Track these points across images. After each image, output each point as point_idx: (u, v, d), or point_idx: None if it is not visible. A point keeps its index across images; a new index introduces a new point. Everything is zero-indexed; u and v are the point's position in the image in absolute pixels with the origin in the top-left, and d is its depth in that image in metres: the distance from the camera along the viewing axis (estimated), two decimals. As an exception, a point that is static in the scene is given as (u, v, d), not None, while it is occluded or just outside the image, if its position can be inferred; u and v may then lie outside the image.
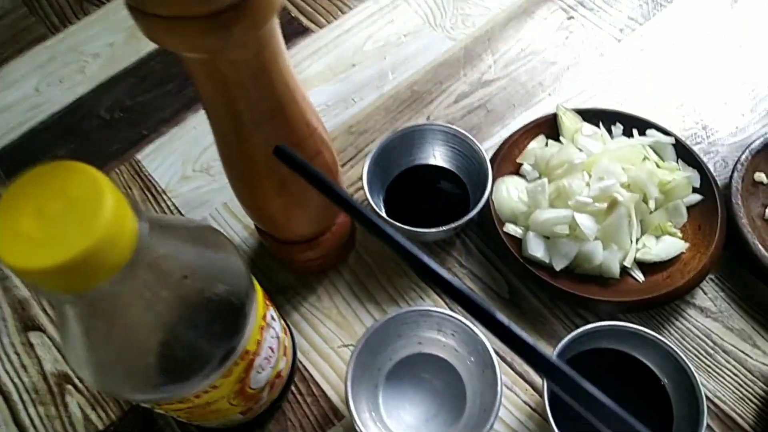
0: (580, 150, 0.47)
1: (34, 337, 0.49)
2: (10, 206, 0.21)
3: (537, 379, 0.44)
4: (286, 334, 0.42)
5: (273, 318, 0.38)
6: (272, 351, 0.37)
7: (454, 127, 0.48)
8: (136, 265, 0.23)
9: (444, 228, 0.45)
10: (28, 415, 0.46)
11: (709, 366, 0.44)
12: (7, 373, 0.47)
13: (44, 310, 0.50)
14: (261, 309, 0.34)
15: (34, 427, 0.45)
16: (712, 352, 0.44)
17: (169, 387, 0.29)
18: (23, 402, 0.46)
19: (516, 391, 0.44)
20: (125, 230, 0.22)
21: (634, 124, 0.50)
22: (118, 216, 0.22)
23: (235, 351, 0.31)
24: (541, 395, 0.43)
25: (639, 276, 0.45)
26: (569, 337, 0.40)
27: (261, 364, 0.36)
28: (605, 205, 0.44)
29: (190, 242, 0.28)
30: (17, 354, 0.48)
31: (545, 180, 0.46)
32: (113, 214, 0.21)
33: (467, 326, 0.41)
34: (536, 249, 0.45)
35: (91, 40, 0.64)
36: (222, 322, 0.30)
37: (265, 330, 0.35)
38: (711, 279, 0.47)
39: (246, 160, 0.35)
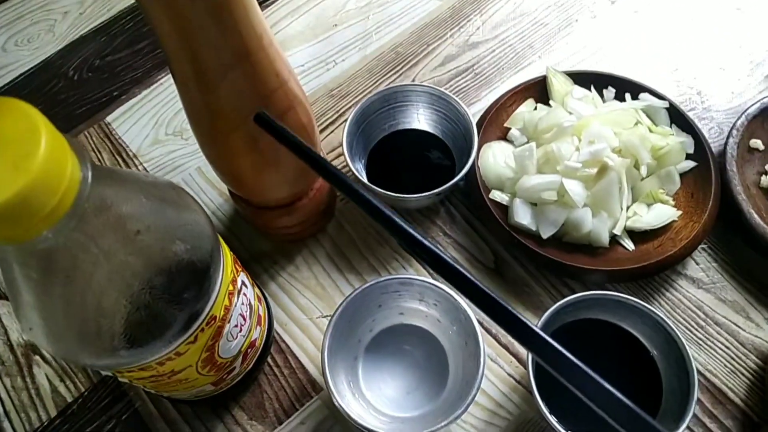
0: (570, 113, 0.45)
1: (1, 306, 0.46)
2: None
3: (522, 351, 0.42)
4: (260, 302, 0.40)
5: (245, 284, 0.36)
6: (243, 319, 0.35)
7: (439, 88, 0.46)
8: (80, 214, 0.21)
9: (427, 194, 0.43)
10: (-7, 387, 0.44)
11: (700, 338, 0.42)
12: (-29, 343, 0.45)
13: (9, 279, 0.47)
14: (229, 273, 0.32)
15: (0, 399, 0.43)
16: (703, 324, 0.43)
17: (128, 352, 0.27)
18: (-12, 373, 0.44)
19: (500, 363, 0.42)
20: (64, 173, 0.20)
21: (627, 88, 0.48)
22: (55, 157, 0.20)
23: (199, 316, 0.29)
24: (526, 367, 0.41)
25: (629, 245, 0.43)
26: (555, 307, 0.38)
27: (231, 332, 0.34)
28: (595, 170, 0.42)
29: (145, 196, 0.26)
30: (-19, 324, 0.46)
31: (533, 144, 0.44)
32: (50, 154, 0.19)
33: (450, 295, 0.39)
34: (523, 216, 0.43)
35: (60, -2, 0.61)
36: (183, 284, 0.28)
37: (235, 296, 0.34)
38: (703, 249, 0.45)
39: (211, 114, 0.33)
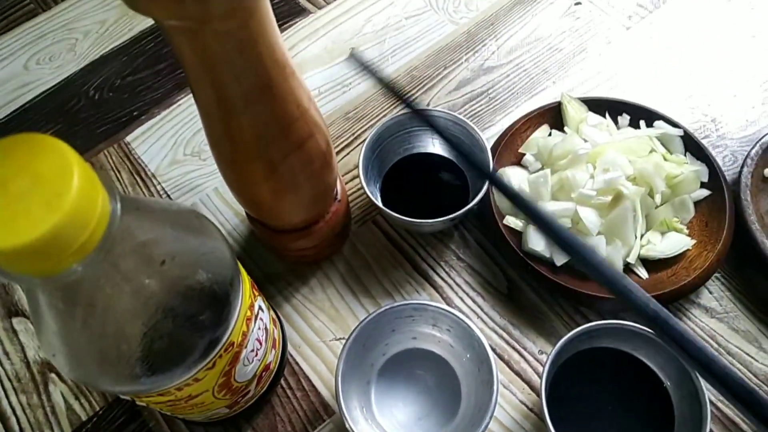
0: (585, 140, 0.46)
1: (18, 323, 0.47)
2: None
3: (534, 378, 0.43)
4: (275, 325, 0.41)
5: (261, 309, 0.36)
6: (260, 343, 0.36)
7: (453, 113, 0.46)
8: (108, 247, 0.22)
9: (441, 219, 0.43)
10: (10, 403, 0.44)
11: (712, 367, 0.42)
12: (-11, 360, 0.46)
13: (28, 296, 0.48)
14: (248, 299, 0.33)
15: (16, 416, 0.44)
16: (716, 352, 0.42)
17: (148, 379, 0.28)
18: (5, 390, 0.45)
19: (513, 390, 0.42)
20: (95, 209, 0.21)
21: (642, 115, 0.48)
22: (87, 193, 0.20)
23: (219, 343, 0.30)
24: (539, 395, 0.41)
25: (643, 273, 0.43)
26: (569, 335, 0.38)
27: (247, 357, 0.34)
28: (609, 198, 0.42)
29: (170, 226, 0.27)
30: (0, 340, 0.47)
31: (548, 171, 0.44)
32: (81, 191, 0.20)
33: (463, 321, 0.39)
34: (537, 243, 0.43)
35: (82, 18, 0.62)
36: (204, 312, 0.28)
37: (252, 321, 0.34)
38: (717, 278, 0.45)
39: (233, 142, 0.33)
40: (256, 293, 0.36)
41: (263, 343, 0.37)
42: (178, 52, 0.29)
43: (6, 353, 0.46)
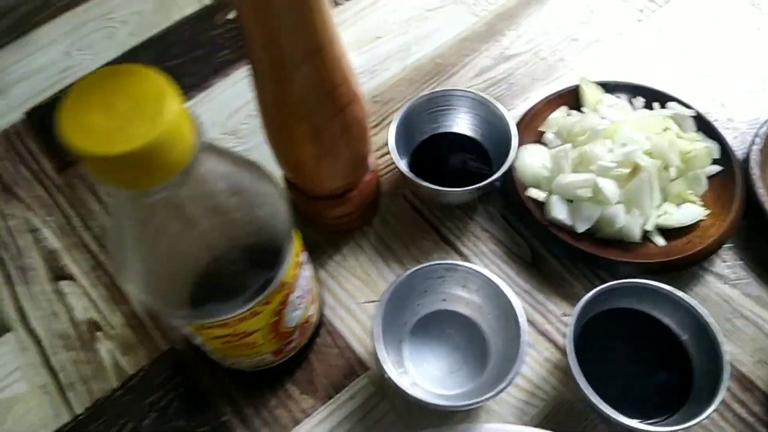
0: (603, 119, 0.49)
1: (65, 286, 0.50)
2: (80, 101, 0.22)
3: (557, 338, 0.45)
4: (315, 282, 0.43)
5: (306, 261, 0.39)
6: (305, 291, 0.38)
7: (479, 93, 0.49)
8: (192, 171, 0.24)
9: (469, 188, 0.46)
10: (59, 359, 0.47)
11: (727, 331, 0.45)
12: (39, 319, 0.48)
13: (75, 261, 0.51)
14: (297, 247, 0.36)
15: (65, 371, 0.46)
16: (730, 317, 0.45)
17: (213, 306, 0.31)
18: (54, 347, 0.47)
19: (538, 349, 0.45)
20: (185, 134, 0.23)
21: (655, 98, 0.51)
22: (180, 118, 0.23)
23: (274, 279, 0.32)
24: (563, 353, 0.44)
25: (660, 241, 0.46)
26: (590, 294, 0.41)
27: (295, 301, 0.37)
28: (628, 170, 0.45)
29: (236, 164, 0.30)
30: (48, 301, 0.49)
31: (569, 145, 0.47)
32: (176, 114, 0.22)
33: (492, 281, 0.42)
34: (559, 211, 0.46)
35: (120, 8, 0.65)
36: (265, 246, 0.31)
37: (300, 268, 0.37)
38: (729, 248, 0.48)
39: (283, 104, 0.36)
40: (302, 247, 0.39)
41: (307, 293, 0.39)
42: (242, 14, 0.32)
43: (55, 313, 0.49)
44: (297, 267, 0.36)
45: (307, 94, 0.36)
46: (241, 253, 0.30)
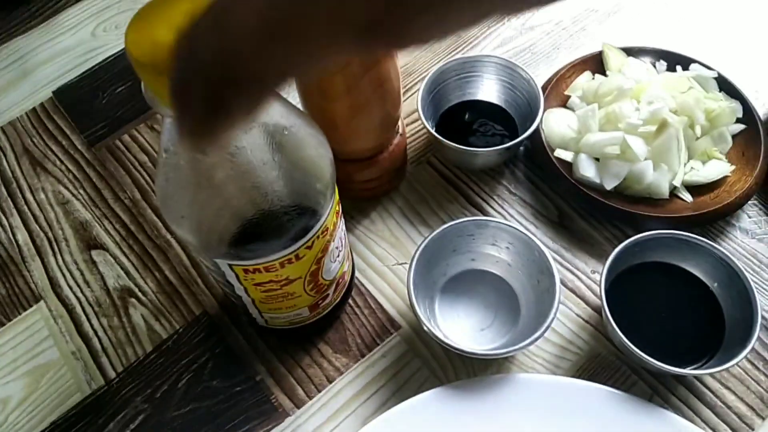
0: (628, 79, 0.49)
1: (97, 255, 0.50)
2: (145, 19, 0.23)
3: (588, 294, 0.45)
4: (347, 241, 0.44)
5: (342, 215, 0.40)
6: (341, 243, 0.39)
7: (505, 58, 0.50)
8: None
9: (498, 148, 0.46)
10: (92, 326, 0.47)
11: (755, 282, 0.45)
12: (70, 287, 0.49)
13: (106, 231, 0.51)
14: (336, 196, 0.36)
15: (98, 337, 0.47)
16: (758, 269, 0.45)
17: (259, 245, 0.31)
18: (86, 314, 0.48)
19: (568, 306, 0.45)
20: None
21: (678, 61, 0.52)
22: None
23: (321, 220, 0.33)
24: (594, 308, 0.44)
25: (687, 197, 0.46)
26: (622, 245, 0.41)
27: (333, 252, 0.37)
28: (654, 127, 0.46)
29: (288, 106, 0.30)
30: (80, 271, 0.50)
31: (595, 105, 0.48)
32: None
33: (524, 234, 0.42)
34: (587, 169, 0.46)
35: (144, -9, 0.66)
36: (312, 186, 0.32)
37: (339, 218, 0.37)
38: (754, 204, 0.48)
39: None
40: (338, 198, 0.39)
41: (343, 247, 0.40)
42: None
43: (86, 282, 0.49)
44: (336, 216, 0.36)
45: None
46: (289, 193, 0.30)
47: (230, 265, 0.33)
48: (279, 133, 0.29)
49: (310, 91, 0.41)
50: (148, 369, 0.45)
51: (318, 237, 0.34)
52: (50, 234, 0.52)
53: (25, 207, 0.54)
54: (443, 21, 0.15)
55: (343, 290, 0.43)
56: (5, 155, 0.57)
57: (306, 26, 0.14)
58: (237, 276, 0.34)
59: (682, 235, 0.42)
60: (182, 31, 0.16)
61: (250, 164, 0.28)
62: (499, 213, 0.49)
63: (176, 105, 0.17)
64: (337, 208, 0.36)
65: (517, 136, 0.50)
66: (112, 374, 0.45)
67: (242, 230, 0.30)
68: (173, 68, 0.17)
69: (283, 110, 0.30)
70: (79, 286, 0.49)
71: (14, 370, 0.46)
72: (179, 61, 0.16)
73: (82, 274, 0.50)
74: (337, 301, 0.43)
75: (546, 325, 0.39)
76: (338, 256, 0.39)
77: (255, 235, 0.31)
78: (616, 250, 0.41)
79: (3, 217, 0.53)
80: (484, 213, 0.49)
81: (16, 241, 0.52)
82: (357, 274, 0.47)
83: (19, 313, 0.48)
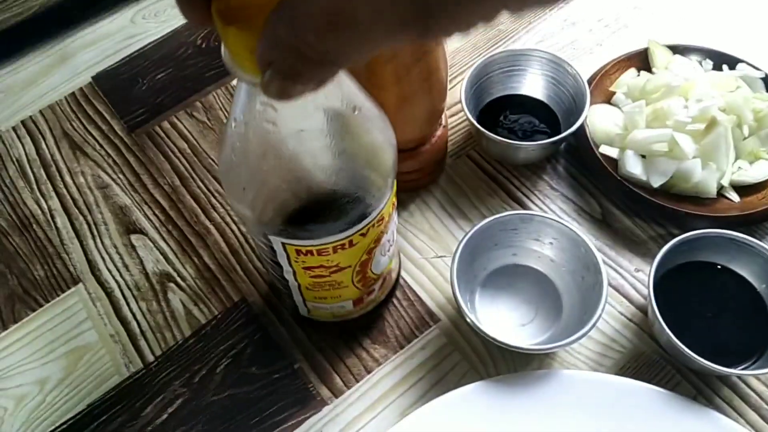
0: (676, 76, 0.48)
1: (136, 239, 0.50)
2: None
3: (632, 292, 0.45)
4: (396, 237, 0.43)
5: (396, 208, 0.39)
6: (393, 237, 0.39)
7: (549, 52, 0.50)
8: None
9: (542, 142, 0.46)
10: (130, 309, 0.47)
11: (803, 285, 0.44)
12: (110, 271, 0.49)
13: (146, 216, 0.51)
14: (395, 187, 0.36)
15: (136, 320, 0.47)
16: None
17: (316, 226, 0.31)
18: (125, 298, 0.48)
19: (612, 304, 0.45)
20: None
21: (724, 60, 0.51)
22: None
23: (378, 206, 0.33)
24: (638, 307, 0.44)
25: (734, 197, 0.46)
26: (670, 244, 0.41)
27: (385, 244, 0.37)
28: (703, 125, 0.45)
29: (361, 90, 0.30)
30: (119, 254, 0.50)
31: (643, 101, 0.47)
32: None
33: (569, 229, 0.42)
34: (634, 166, 0.46)
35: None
36: (374, 170, 0.31)
37: (394, 209, 0.37)
38: (803, 206, 0.47)
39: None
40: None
41: (393, 242, 0.39)
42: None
43: (126, 266, 0.49)
44: (392, 207, 0.36)
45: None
46: (351, 176, 0.30)
47: (284, 244, 0.33)
48: (349, 113, 0.29)
49: (359, 78, 0.41)
50: (186, 354, 0.45)
51: (373, 225, 0.34)
52: (89, 218, 0.52)
53: (64, 190, 0.54)
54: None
55: (389, 289, 0.43)
56: (44, 138, 0.57)
57: (358, 18, 0.18)
58: (288, 257, 0.34)
59: (732, 234, 0.41)
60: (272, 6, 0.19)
61: (318, 142, 0.28)
62: (540, 208, 0.49)
63: (262, 63, 0.21)
64: (393, 200, 0.36)
65: (559, 132, 0.49)
66: (150, 358, 0.45)
67: (300, 209, 0.30)
68: (263, 36, 0.20)
69: (355, 91, 0.29)
70: (118, 269, 0.49)
71: (52, 351, 0.46)
72: (267, 33, 0.20)
73: (121, 257, 0.50)
74: (381, 298, 0.43)
75: (593, 322, 0.38)
76: (389, 250, 0.39)
77: (312, 215, 0.31)
78: (665, 248, 0.40)
79: (42, 200, 0.54)
80: (525, 208, 0.49)
81: (55, 224, 0.52)
82: (396, 265, 0.47)
83: (57, 295, 0.49)
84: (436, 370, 0.43)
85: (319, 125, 0.28)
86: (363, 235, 0.33)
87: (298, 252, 0.33)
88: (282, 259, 0.34)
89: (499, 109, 0.52)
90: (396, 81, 0.39)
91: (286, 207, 0.30)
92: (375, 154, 0.31)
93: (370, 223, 0.33)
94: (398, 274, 0.45)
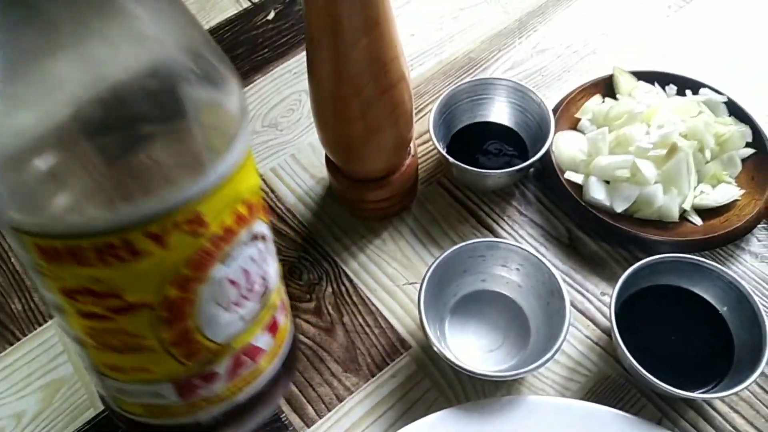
0: (639, 103, 0.50)
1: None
2: None
3: (597, 315, 0.46)
4: (284, 309, 0.33)
5: (264, 238, 0.28)
6: (249, 283, 0.26)
7: (516, 81, 0.51)
8: None
9: (509, 170, 0.47)
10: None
11: (765, 306, 0.45)
12: (86, 303, 0.50)
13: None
14: (250, 183, 0.26)
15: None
16: (767, 293, 0.46)
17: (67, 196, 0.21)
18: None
19: (578, 327, 0.45)
20: None
21: (687, 86, 0.52)
22: None
23: (190, 188, 0.22)
24: (603, 330, 0.44)
25: (697, 220, 0.46)
26: (632, 268, 0.42)
27: (225, 289, 0.25)
28: (665, 151, 0.46)
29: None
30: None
31: (606, 128, 0.48)
32: None
33: (534, 256, 0.43)
34: (597, 192, 0.47)
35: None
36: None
37: (245, 231, 0.25)
38: (764, 228, 0.48)
39: (339, 77, 0.38)
40: (265, 217, 0.28)
41: (254, 294, 0.27)
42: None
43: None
44: (239, 220, 0.24)
45: (363, 67, 0.38)
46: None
47: (15, 231, 0.21)
48: None
49: (324, 113, 0.42)
50: None
51: (176, 226, 0.21)
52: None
53: (43, 223, 0.55)
54: None
55: (262, 383, 0.30)
56: (24, 172, 0.58)
57: None
58: (37, 268, 0.22)
59: (692, 258, 0.42)
60: None
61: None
62: (509, 234, 0.50)
63: None
64: (241, 210, 0.24)
65: (528, 158, 0.50)
66: (125, 390, 0.46)
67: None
68: None
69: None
70: (94, 301, 0.50)
71: (29, 384, 0.47)
72: None
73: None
74: (243, 395, 0.29)
75: (556, 347, 0.39)
76: (239, 305, 0.25)
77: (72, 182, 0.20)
78: (626, 273, 0.41)
79: (21, 233, 0.54)
80: (495, 234, 0.50)
81: (34, 257, 0.53)
82: (368, 293, 0.48)
83: (35, 329, 0.49)
84: (407, 397, 0.44)
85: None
86: (156, 239, 0.21)
87: (42, 251, 0.21)
88: (30, 267, 0.23)
89: (470, 136, 0.53)
90: (362, 115, 0.40)
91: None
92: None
93: (165, 213, 0.21)
94: (288, 357, 0.33)
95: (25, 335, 0.49)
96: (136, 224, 0.21)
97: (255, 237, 0.26)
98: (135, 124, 0.20)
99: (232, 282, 0.25)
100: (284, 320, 0.32)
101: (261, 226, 0.27)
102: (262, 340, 0.29)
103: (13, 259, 0.53)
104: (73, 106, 0.19)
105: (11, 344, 0.49)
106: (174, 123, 0.21)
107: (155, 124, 0.21)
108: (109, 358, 0.25)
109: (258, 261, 0.27)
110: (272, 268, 0.29)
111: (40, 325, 0.49)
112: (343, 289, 0.48)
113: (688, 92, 0.52)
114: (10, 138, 0.20)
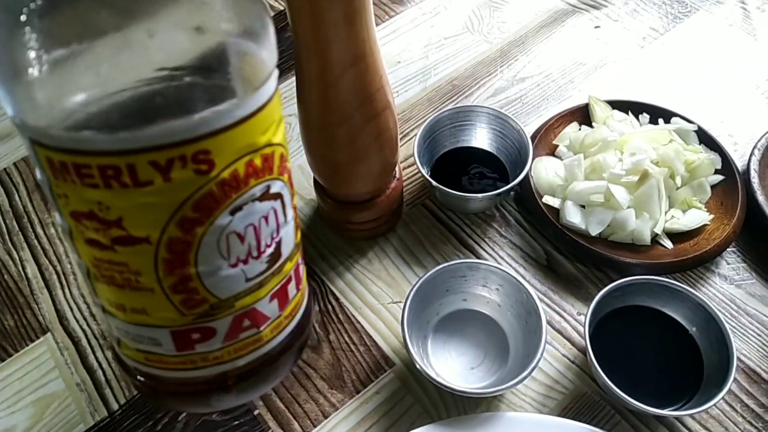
0: (613, 131, 0.52)
1: (104, 289, 0.52)
2: None
3: (574, 335, 0.47)
4: (301, 280, 0.33)
5: (284, 194, 0.28)
6: (269, 238, 0.26)
7: (497, 109, 0.53)
8: None
9: (490, 194, 0.49)
10: (96, 358, 0.49)
11: (733, 327, 0.47)
12: (77, 320, 0.51)
13: (113, 266, 0.53)
14: (273, 126, 0.26)
15: (102, 369, 0.48)
16: (736, 314, 0.48)
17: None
18: (92, 347, 0.50)
19: (555, 346, 0.47)
20: None
21: (660, 115, 0.55)
22: None
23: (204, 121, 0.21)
24: (579, 349, 0.46)
25: (668, 244, 0.49)
26: (606, 289, 0.44)
27: (235, 235, 0.24)
28: (637, 177, 0.48)
29: None
30: (86, 304, 0.52)
31: (581, 155, 0.51)
32: None
33: (512, 277, 0.45)
34: (573, 216, 0.49)
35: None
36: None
37: (259, 181, 0.25)
38: (733, 251, 0.51)
39: (327, 107, 0.40)
40: (287, 179, 0.27)
41: (262, 252, 0.26)
42: (295, 22, 0.36)
43: (92, 315, 0.51)
44: (249, 169, 0.23)
45: (349, 97, 0.40)
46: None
47: (32, 143, 0.22)
48: None
49: (313, 139, 0.44)
50: (149, 402, 0.47)
51: (182, 159, 0.21)
52: (59, 268, 0.54)
53: (35, 241, 0.56)
54: None
55: (288, 330, 0.30)
56: (17, 190, 0.59)
57: None
58: (49, 182, 0.23)
59: (663, 281, 0.44)
60: None
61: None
62: (490, 255, 0.52)
63: None
64: (254, 161, 0.23)
65: (509, 181, 0.53)
66: (115, 406, 0.47)
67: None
68: None
69: None
70: (85, 318, 0.51)
71: (20, 400, 0.48)
72: None
73: (88, 307, 0.51)
74: (249, 363, 0.28)
75: (533, 365, 0.41)
76: (244, 261, 0.25)
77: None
78: (599, 295, 0.43)
79: (14, 251, 0.55)
80: (476, 255, 0.52)
81: (26, 275, 0.54)
82: (353, 311, 0.49)
83: (27, 345, 0.50)
84: (390, 414, 0.45)
85: None
86: (159, 168, 0.21)
87: (52, 165, 0.22)
88: (50, 199, 0.24)
89: (453, 160, 0.55)
90: (349, 141, 0.42)
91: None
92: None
93: (176, 144, 0.21)
94: (303, 316, 0.32)
95: (17, 351, 0.50)
96: (140, 150, 0.21)
97: (270, 196, 0.26)
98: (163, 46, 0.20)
99: (239, 235, 0.24)
100: (296, 293, 0.31)
101: (280, 187, 0.26)
102: (267, 307, 0.28)
103: (6, 276, 0.54)
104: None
105: (3, 360, 0.49)
106: (204, 55, 0.21)
107: (185, 50, 0.21)
108: (113, 295, 0.26)
109: (270, 221, 0.26)
110: (288, 234, 0.28)
111: (32, 341, 0.50)
112: (329, 307, 0.50)
113: (660, 121, 0.55)
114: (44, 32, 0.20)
